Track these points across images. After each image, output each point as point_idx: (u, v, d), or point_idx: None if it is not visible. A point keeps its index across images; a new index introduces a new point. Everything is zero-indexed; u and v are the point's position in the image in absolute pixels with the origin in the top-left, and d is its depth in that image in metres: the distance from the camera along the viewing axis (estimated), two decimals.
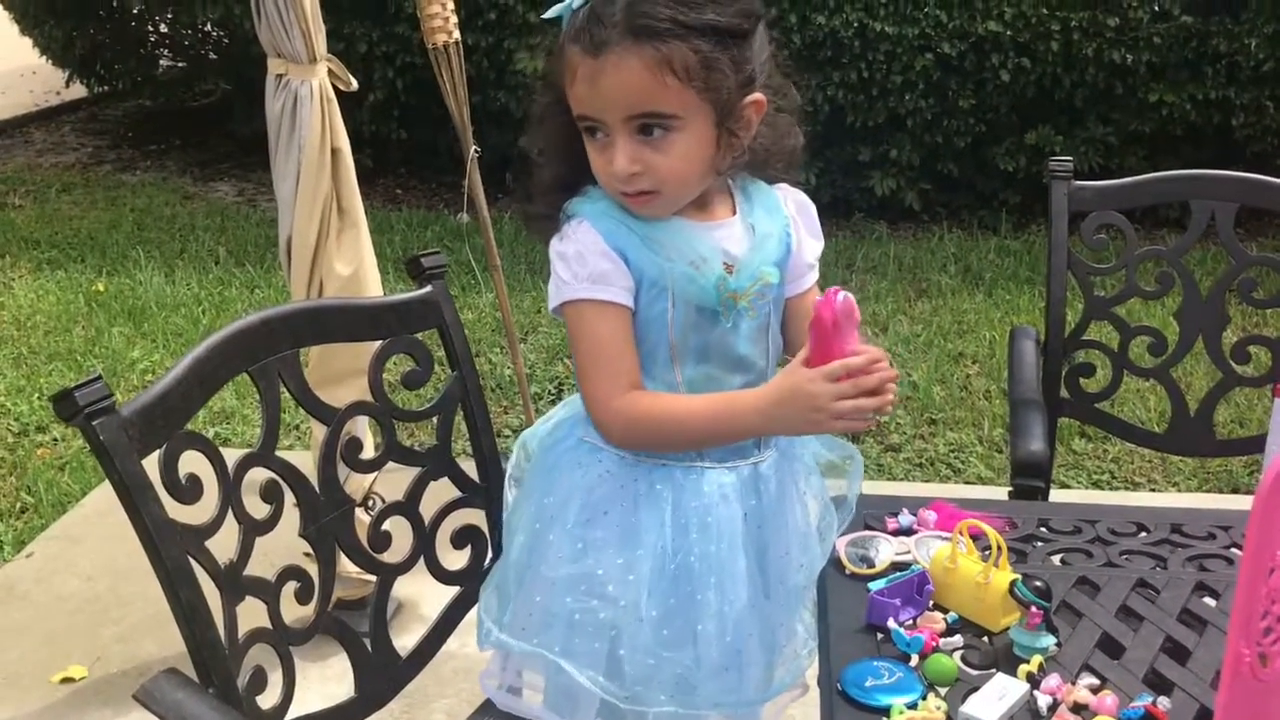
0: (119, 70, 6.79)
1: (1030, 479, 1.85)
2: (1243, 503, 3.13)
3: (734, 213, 1.39)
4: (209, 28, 6.34)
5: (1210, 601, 1.33)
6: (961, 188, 5.45)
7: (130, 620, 2.67)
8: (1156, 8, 4.94)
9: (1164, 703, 1.13)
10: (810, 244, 1.44)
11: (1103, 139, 5.17)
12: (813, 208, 1.45)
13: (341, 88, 2.34)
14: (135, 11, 6.40)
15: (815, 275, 1.46)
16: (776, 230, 1.40)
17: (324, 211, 2.29)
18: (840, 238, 5.15)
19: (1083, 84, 5.09)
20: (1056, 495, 2.29)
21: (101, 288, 4.57)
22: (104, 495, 3.17)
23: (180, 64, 6.98)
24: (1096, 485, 3.31)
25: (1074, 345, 2.25)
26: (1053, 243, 2.21)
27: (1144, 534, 1.47)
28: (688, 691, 1.35)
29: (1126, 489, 3.29)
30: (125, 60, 6.72)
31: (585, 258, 1.31)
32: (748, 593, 1.37)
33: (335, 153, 2.29)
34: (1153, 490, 3.28)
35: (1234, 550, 1.42)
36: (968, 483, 3.34)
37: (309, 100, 2.23)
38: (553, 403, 3.76)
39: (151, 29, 6.68)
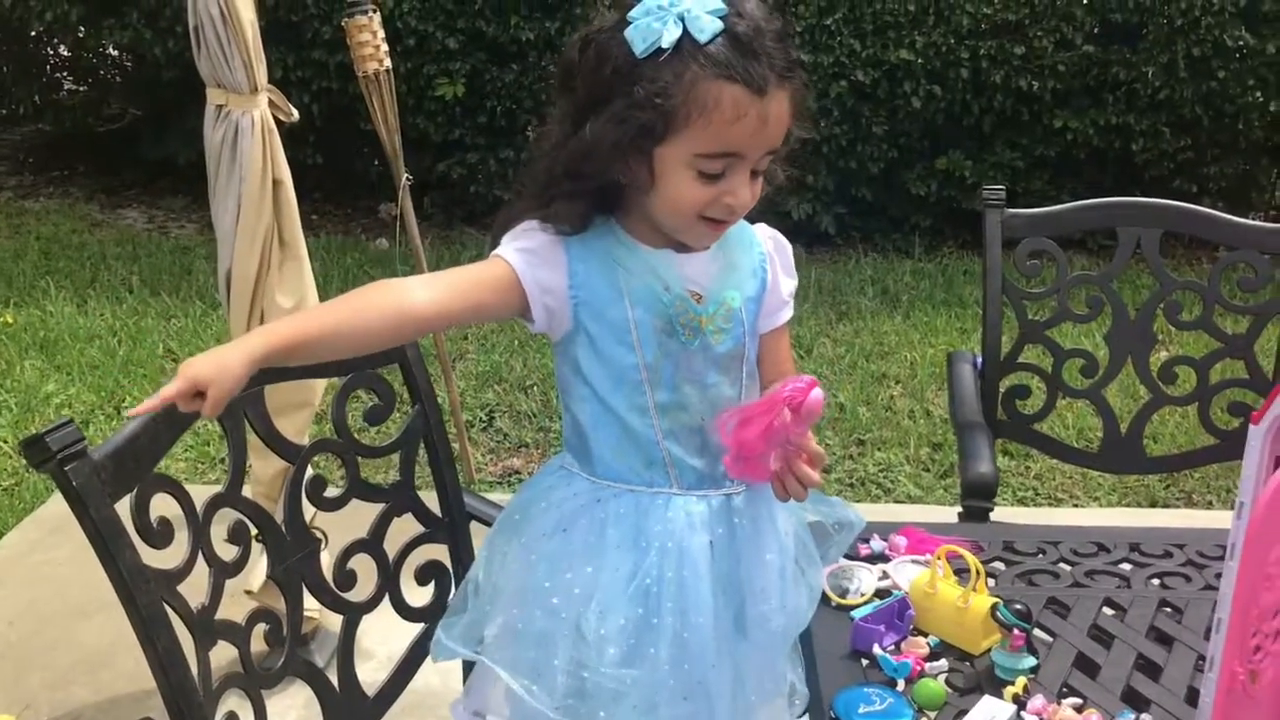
0: (18, 94, 6.59)
1: (981, 500, 1.91)
2: (1162, 517, 3.25)
3: (707, 246, 1.41)
4: (114, 51, 6.18)
5: (1174, 619, 1.38)
6: (875, 212, 5.56)
7: (58, 666, 2.58)
8: (1059, 37, 5.12)
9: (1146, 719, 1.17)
10: (785, 280, 1.46)
11: (1010, 163, 5.33)
12: (789, 247, 1.49)
13: (282, 118, 2.31)
14: (33, 34, 6.21)
15: (789, 313, 1.48)
16: (747, 263, 1.42)
17: (265, 244, 2.25)
18: None
19: (991, 110, 5.26)
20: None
21: (10, 319, 4.42)
22: (22, 537, 3.06)
23: (83, 88, 6.79)
24: (1021, 502, 3.39)
25: (1009, 368, 2.31)
26: (988, 269, 2.27)
27: (1104, 554, 1.52)
28: (644, 714, 1.33)
29: (1050, 505, 3.38)
30: (26, 84, 6.53)
31: (530, 234, 1.33)
32: (714, 624, 1.35)
33: (276, 184, 2.25)
34: (1075, 506, 3.38)
35: (1190, 568, 1.48)
36: (898, 502, 3.40)
37: (250, 131, 2.20)
38: (484, 430, 3.74)
39: (51, 52, 6.50)
